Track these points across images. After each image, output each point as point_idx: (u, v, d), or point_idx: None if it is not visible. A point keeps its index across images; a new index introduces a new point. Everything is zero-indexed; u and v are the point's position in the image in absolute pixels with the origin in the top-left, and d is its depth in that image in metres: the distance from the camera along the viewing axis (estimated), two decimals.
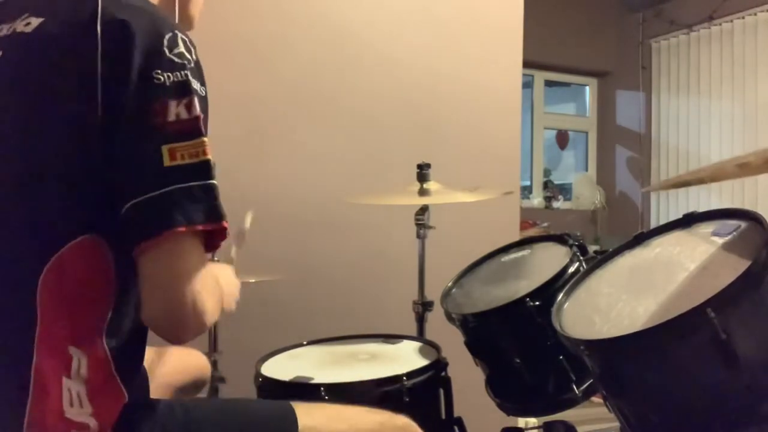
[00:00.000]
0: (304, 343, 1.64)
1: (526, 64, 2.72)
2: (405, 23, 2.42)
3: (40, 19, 0.92)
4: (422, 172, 1.86)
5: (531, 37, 2.72)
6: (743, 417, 1.05)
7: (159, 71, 0.86)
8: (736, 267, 1.05)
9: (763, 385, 1.04)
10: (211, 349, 1.65)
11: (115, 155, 0.85)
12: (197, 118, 0.87)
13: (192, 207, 0.85)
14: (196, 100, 0.87)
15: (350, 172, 2.31)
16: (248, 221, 1.51)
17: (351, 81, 2.34)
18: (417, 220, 1.88)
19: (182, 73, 0.87)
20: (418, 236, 1.90)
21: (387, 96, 2.38)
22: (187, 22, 1.12)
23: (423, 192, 1.85)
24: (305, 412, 1.03)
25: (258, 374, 1.40)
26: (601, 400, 1.24)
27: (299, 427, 1.01)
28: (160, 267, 0.86)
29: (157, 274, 0.86)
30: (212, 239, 0.90)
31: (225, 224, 0.89)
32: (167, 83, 0.86)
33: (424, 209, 1.87)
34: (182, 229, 0.84)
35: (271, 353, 1.55)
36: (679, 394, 1.09)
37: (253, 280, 1.67)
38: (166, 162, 0.85)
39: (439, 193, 1.84)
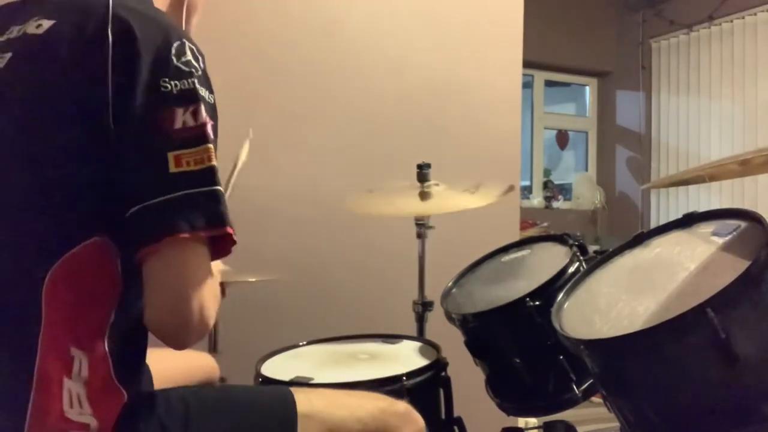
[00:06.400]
0: (304, 343, 1.64)
1: (526, 64, 2.72)
2: (405, 23, 2.42)
3: (52, 21, 0.93)
4: (422, 172, 1.86)
5: (531, 37, 2.72)
6: (743, 417, 1.05)
7: (166, 79, 0.87)
8: (735, 267, 1.05)
9: (763, 384, 1.05)
10: (211, 349, 1.65)
11: (122, 160, 0.86)
12: (203, 125, 0.88)
13: (195, 213, 0.86)
14: (202, 107, 0.88)
15: (350, 172, 2.30)
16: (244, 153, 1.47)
17: (351, 80, 2.34)
18: (417, 220, 1.88)
19: (189, 81, 0.88)
20: (418, 236, 1.90)
21: (387, 96, 2.38)
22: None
23: (423, 193, 1.84)
24: (305, 399, 1.03)
25: (258, 374, 1.40)
26: (601, 400, 1.23)
27: (298, 415, 1.00)
28: (164, 272, 0.86)
29: (162, 279, 0.87)
30: (219, 246, 0.91)
31: (229, 230, 0.89)
32: (174, 91, 0.87)
33: None
34: (185, 235, 0.85)
35: (271, 353, 1.55)
36: (679, 393, 1.09)
37: (253, 280, 1.67)
38: (172, 168, 0.86)
39: (439, 195, 1.84)
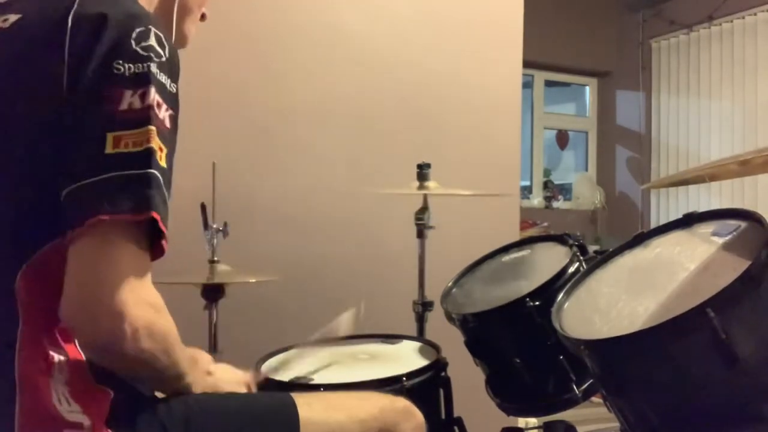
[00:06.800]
0: (304, 343, 1.64)
1: (526, 64, 2.72)
2: (405, 23, 2.42)
3: (18, 16, 0.93)
4: (422, 172, 1.87)
5: (531, 37, 2.72)
6: (743, 417, 1.05)
7: (120, 62, 0.84)
8: (736, 267, 1.05)
9: (763, 385, 1.05)
10: (211, 349, 1.65)
11: (66, 141, 0.83)
12: (149, 107, 0.84)
13: (121, 195, 0.80)
14: (152, 90, 0.84)
15: (350, 173, 2.31)
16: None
17: (351, 81, 2.34)
18: (417, 220, 1.89)
19: (144, 65, 0.85)
20: (418, 236, 1.90)
21: (387, 96, 2.38)
22: (181, 40, 1.11)
23: (423, 192, 1.85)
24: (305, 403, 1.03)
25: None
26: (601, 400, 1.24)
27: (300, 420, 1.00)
28: (82, 259, 0.80)
29: (78, 267, 0.80)
30: (155, 241, 0.84)
31: (153, 214, 0.81)
32: (126, 74, 0.84)
33: (424, 209, 1.88)
34: (105, 217, 0.78)
35: (271, 353, 1.55)
36: (679, 394, 1.09)
37: (253, 280, 1.67)
38: (108, 149, 0.81)
39: (439, 194, 1.84)
